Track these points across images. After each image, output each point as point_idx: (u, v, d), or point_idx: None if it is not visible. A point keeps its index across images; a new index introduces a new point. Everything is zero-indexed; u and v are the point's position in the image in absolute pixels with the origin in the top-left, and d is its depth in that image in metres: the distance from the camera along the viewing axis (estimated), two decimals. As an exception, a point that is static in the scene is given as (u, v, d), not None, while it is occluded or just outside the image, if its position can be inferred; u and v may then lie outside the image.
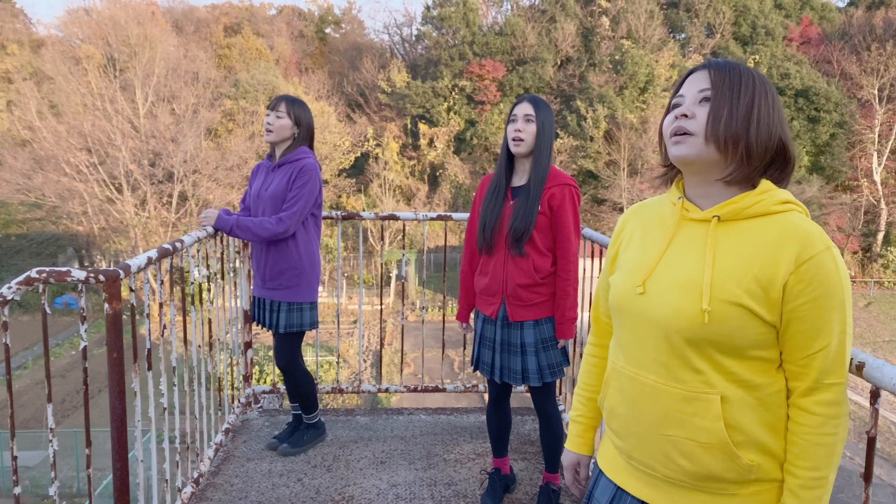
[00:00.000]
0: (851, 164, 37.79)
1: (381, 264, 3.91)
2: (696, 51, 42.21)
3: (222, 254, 2.99)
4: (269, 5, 59.77)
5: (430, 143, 40.01)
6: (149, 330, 2.02)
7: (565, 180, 2.47)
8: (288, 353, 2.94)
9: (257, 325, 3.00)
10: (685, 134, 1.14)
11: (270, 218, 2.74)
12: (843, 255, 36.01)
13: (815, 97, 37.46)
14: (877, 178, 36.53)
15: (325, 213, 3.19)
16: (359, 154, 38.80)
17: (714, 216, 1.13)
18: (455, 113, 40.20)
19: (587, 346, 1.49)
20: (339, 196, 36.82)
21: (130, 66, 33.12)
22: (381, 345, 3.76)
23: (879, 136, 36.96)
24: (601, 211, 35.97)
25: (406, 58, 48.84)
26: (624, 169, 35.73)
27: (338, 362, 3.53)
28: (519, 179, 2.51)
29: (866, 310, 31.09)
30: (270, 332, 2.94)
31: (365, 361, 22.62)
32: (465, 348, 3.62)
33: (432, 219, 3.24)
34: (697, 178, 1.18)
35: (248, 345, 3.31)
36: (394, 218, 3.28)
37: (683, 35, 44.09)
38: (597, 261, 2.98)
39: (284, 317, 2.87)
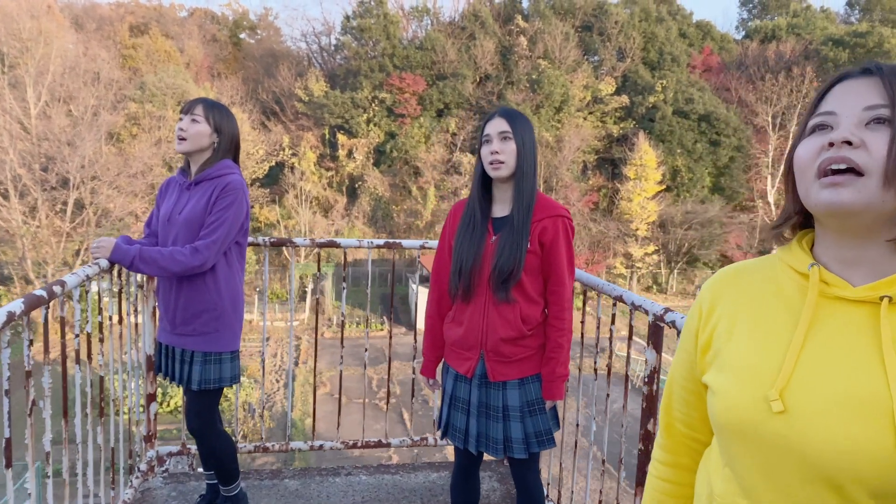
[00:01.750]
0: (748, 185, 40.25)
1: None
2: (608, 73, 43.77)
3: (120, 292, 2.41)
4: (180, 6, 57.17)
5: (349, 154, 39.26)
6: (7, 415, 1.47)
7: (558, 210, 2.09)
8: (202, 414, 2.38)
9: (164, 379, 2.44)
10: (850, 171, 0.76)
11: (184, 248, 2.21)
12: (741, 271, 38.24)
13: (716, 122, 39.68)
14: (770, 199, 39.01)
15: (249, 238, 2.68)
16: (273, 163, 37.50)
17: (884, 296, 0.76)
18: (375, 125, 39.70)
19: (653, 462, 1.07)
20: (252, 206, 35.35)
21: (21, 62, 30.50)
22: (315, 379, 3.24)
23: (773, 160, 39.53)
24: (519, 226, 36.38)
25: (324, 67, 47.89)
26: (540, 186, 36.37)
27: (261, 413, 3.00)
28: (500, 209, 2.12)
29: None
30: (180, 387, 2.39)
31: (278, 381, 21.56)
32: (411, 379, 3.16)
33: (379, 247, 2.79)
34: (852, 236, 0.80)
35: (150, 398, 2.72)
36: (334, 245, 2.80)
37: (597, 58, 45.63)
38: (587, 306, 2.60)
39: (199, 370, 2.31)
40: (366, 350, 3.28)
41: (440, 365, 2.33)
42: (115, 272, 2.31)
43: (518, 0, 46.81)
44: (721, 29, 51.93)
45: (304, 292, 31.02)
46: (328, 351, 24.36)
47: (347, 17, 42.93)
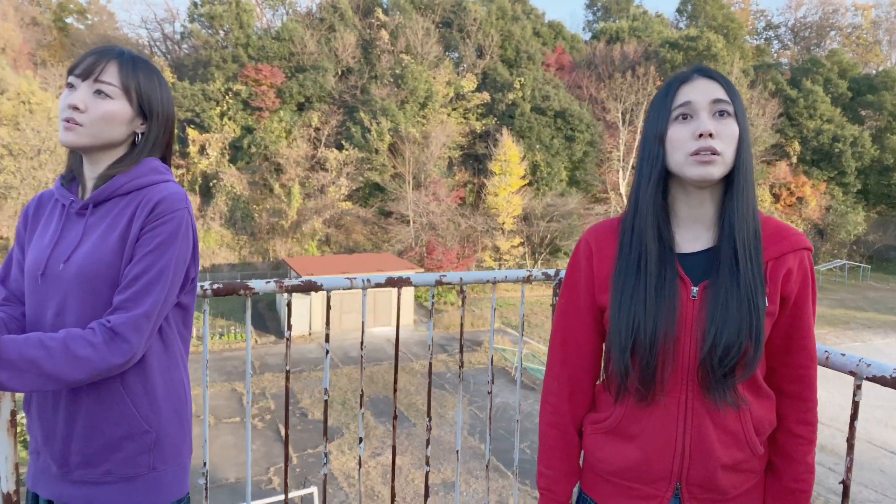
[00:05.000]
0: (601, 178, 42.61)
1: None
2: (468, 70, 44.31)
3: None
4: (-11, -17, 49.94)
5: (202, 150, 36.45)
6: None
7: (800, 240, 1.24)
8: None
9: None
10: None
11: (90, 330, 1.21)
12: (598, 259, 40.52)
13: (570, 118, 41.54)
14: (622, 191, 41.59)
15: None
16: (114, 162, 33.89)
17: None
18: (229, 119, 37.16)
19: None
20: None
21: None
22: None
23: (623, 154, 42.15)
24: (389, 224, 35.80)
25: (169, 56, 44.16)
26: (409, 182, 36.01)
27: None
28: (690, 238, 1.28)
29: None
30: None
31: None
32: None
33: (380, 285, 1.97)
34: None
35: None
36: (313, 288, 1.91)
37: (457, 54, 46.05)
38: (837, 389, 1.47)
39: None
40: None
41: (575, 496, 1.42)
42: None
43: (377, -7, 46.02)
44: (570, 30, 54.61)
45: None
46: (191, 367, 22.35)
47: (195, 4, 39.81)
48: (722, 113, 1.21)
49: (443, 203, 35.52)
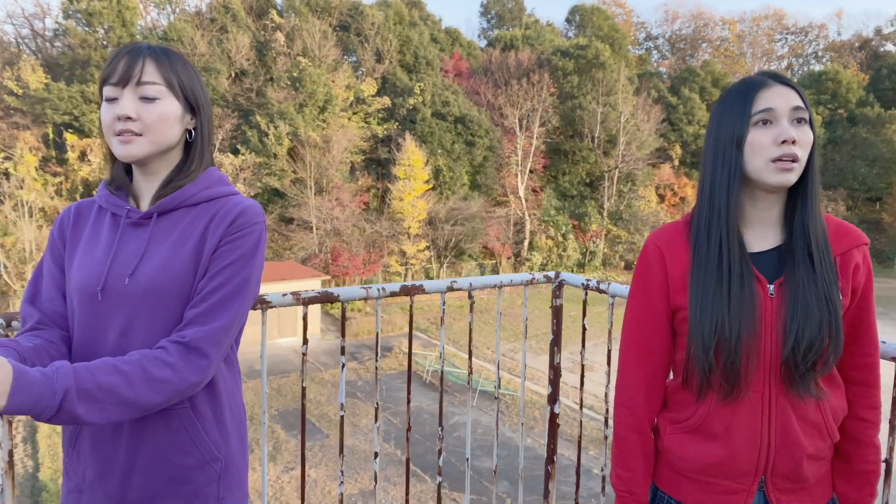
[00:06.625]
0: (500, 182, 43.71)
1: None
2: (368, 74, 44.08)
3: None
4: None
5: (82, 156, 33.88)
6: None
7: (861, 237, 1.31)
8: None
9: None
10: None
11: (162, 349, 1.11)
12: (500, 261, 41.65)
13: (470, 123, 42.34)
14: (521, 194, 42.86)
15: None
16: (-21, 169, 30.84)
17: None
18: (113, 123, 34.76)
19: None
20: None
21: None
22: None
23: (521, 158, 43.45)
24: (290, 231, 34.88)
25: (41, 55, 40.72)
26: (311, 187, 35.27)
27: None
28: (758, 238, 1.32)
29: (522, 307, 35.85)
30: None
31: (16, 433, 17.55)
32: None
33: (394, 294, 1.87)
34: None
35: None
36: (331, 299, 1.81)
37: (355, 58, 45.69)
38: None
39: None
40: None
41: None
42: None
43: (271, -6, 44.77)
44: (467, 36, 55.66)
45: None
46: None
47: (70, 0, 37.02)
48: (800, 120, 1.26)
49: (347, 208, 35.05)
